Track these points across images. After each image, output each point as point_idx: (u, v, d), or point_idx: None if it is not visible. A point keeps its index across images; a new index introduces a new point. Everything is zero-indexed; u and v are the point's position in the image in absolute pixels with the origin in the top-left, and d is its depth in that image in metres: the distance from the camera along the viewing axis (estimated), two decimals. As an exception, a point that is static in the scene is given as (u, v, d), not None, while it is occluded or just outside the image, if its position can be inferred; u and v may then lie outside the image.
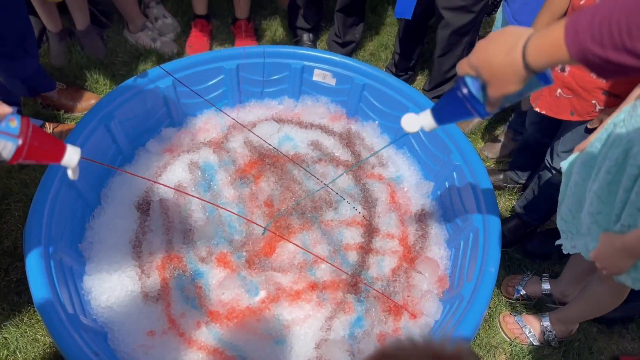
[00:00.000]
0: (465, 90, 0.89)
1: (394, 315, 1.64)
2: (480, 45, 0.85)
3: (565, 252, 1.36)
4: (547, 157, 1.73)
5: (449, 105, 0.96)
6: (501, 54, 0.80)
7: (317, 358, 1.53)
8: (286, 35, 2.80)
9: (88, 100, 2.30)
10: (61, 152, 1.08)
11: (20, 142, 1.00)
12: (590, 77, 1.43)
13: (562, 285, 1.75)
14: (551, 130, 1.74)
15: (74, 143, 1.66)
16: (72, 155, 1.09)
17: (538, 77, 0.82)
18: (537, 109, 1.62)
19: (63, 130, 2.16)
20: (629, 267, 1.08)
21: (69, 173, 1.10)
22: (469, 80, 0.89)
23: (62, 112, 2.28)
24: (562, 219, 1.36)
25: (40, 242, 1.45)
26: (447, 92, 0.94)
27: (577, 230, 1.31)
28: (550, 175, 1.73)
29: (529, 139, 1.96)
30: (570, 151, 1.63)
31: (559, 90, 1.53)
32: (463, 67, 0.88)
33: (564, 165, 1.35)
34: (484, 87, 0.87)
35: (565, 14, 1.52)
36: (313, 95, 2.22)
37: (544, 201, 1.81)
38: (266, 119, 2.15)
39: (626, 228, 1.06)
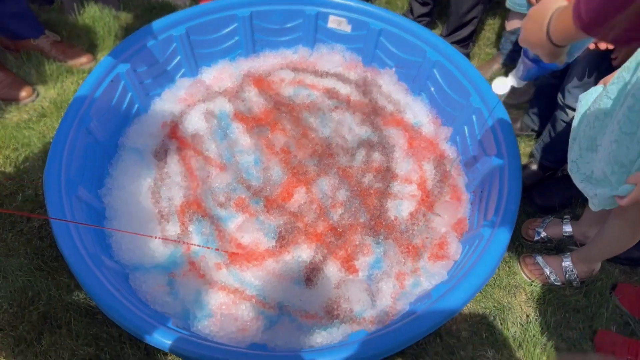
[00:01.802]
0: (531, 56, 1.02)
1: (413, 257, 1.63)
2: (522, 24, 0.92)
3: (585, 194, 1.32)
4: (560, 96, 1.68)
5: (525, 68, 1.09)
6: (534, 34, 0.88)
7: (337, 297, 1.54)
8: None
9: (79, 58, 2.26)
10: None
11: None
12: None
13: (583, 226, 1.72)
14: (562, 71, 1.69)
15: (88, 90, 1.68)
16: None
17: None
18: None
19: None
20: None
21: None
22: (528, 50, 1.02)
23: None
24: (571, 159, 1.32)
25: (59, 185, 1.47)
26: (520, 59, 1.09)
27: (578, 169, 1.27)
28: (564, 114, 1.69)
29: (542, 83, 1.91)
30: (581, 87, 1.58)
31: None
32: (520, 41, 0.98)
33: (582, 97, 1.30)
34: None
35: None
36: (328, 44, 2.18)
37: (560, 142, 1.77)
38: (281, 68, 2.13)
39: None
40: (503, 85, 1.21)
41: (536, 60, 1.01)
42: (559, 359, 1.50)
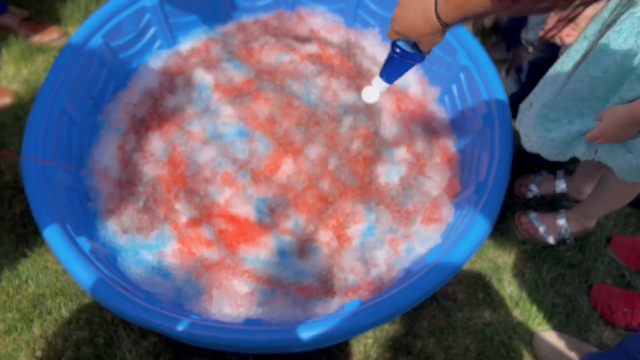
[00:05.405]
0: (398, 50, 0.98)
1: (405, 222, 1.61)
2: (397, 14, 0.89)
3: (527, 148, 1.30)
4: (523, 34, 1.65)
5: (392, 66, 1.05)
6: (419, 20, 0.84)
7: (330, 267, 1.52)
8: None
9: (50, 34, 2.16)
10: None
11: None
12: None
13: (576, 182, 1.70)
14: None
15: (60, 69, 1.61)
16: None
17: None
18: None
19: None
20: (633, 134, 1.02)
21: None
22: (400, 43, 0.98)
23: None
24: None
25: (37, 170, 1.41)
26: (387, 57, 1.03)
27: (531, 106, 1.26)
28: (526, 52, 1.66)
29: None
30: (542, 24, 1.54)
31: None
32: (391, 34, 0.96)
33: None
34: (415, 44, 0.96)
35: None
36: (308, 6, 2.10)
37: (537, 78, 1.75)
38: (261, 35, 2.05)
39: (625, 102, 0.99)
40: (372, 94, 1.15)
41: (407, 54, 0.97)
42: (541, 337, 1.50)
